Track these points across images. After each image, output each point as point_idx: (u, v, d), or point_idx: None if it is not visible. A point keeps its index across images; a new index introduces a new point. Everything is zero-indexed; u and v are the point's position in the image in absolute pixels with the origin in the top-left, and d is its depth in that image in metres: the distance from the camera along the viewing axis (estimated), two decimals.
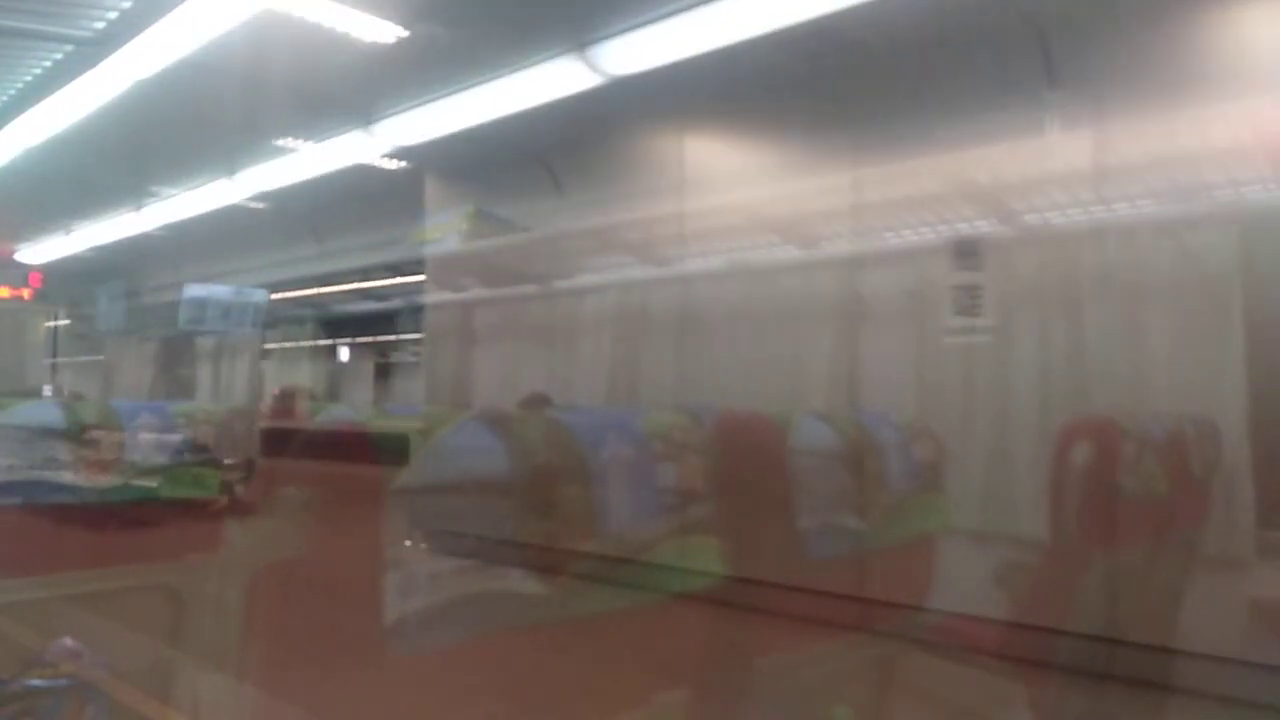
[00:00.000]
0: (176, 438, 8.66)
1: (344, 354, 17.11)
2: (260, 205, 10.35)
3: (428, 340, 9.27)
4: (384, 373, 18.15)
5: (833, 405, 5.71)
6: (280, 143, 8.66)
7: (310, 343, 15.89)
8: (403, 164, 8.94)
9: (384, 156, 8.75)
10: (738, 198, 6.36)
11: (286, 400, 12.98)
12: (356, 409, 15.42)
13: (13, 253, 13.12)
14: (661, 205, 6.66)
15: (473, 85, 6.89)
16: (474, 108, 7.14)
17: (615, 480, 4.98)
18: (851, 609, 4.35)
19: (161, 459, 8.41)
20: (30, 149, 8.64)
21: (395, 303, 13.46)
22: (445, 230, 10.16)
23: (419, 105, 7.48)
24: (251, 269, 12.01)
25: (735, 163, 6.61)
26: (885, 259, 5.86)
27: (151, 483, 8.14)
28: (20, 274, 12.81)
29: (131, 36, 6.13)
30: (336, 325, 15.55)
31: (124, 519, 7.60)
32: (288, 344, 15.44)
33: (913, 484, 5.22)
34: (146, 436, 8.81)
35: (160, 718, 3.16)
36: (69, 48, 6.68)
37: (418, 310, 13.35)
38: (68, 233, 12.78)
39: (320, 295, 13.32)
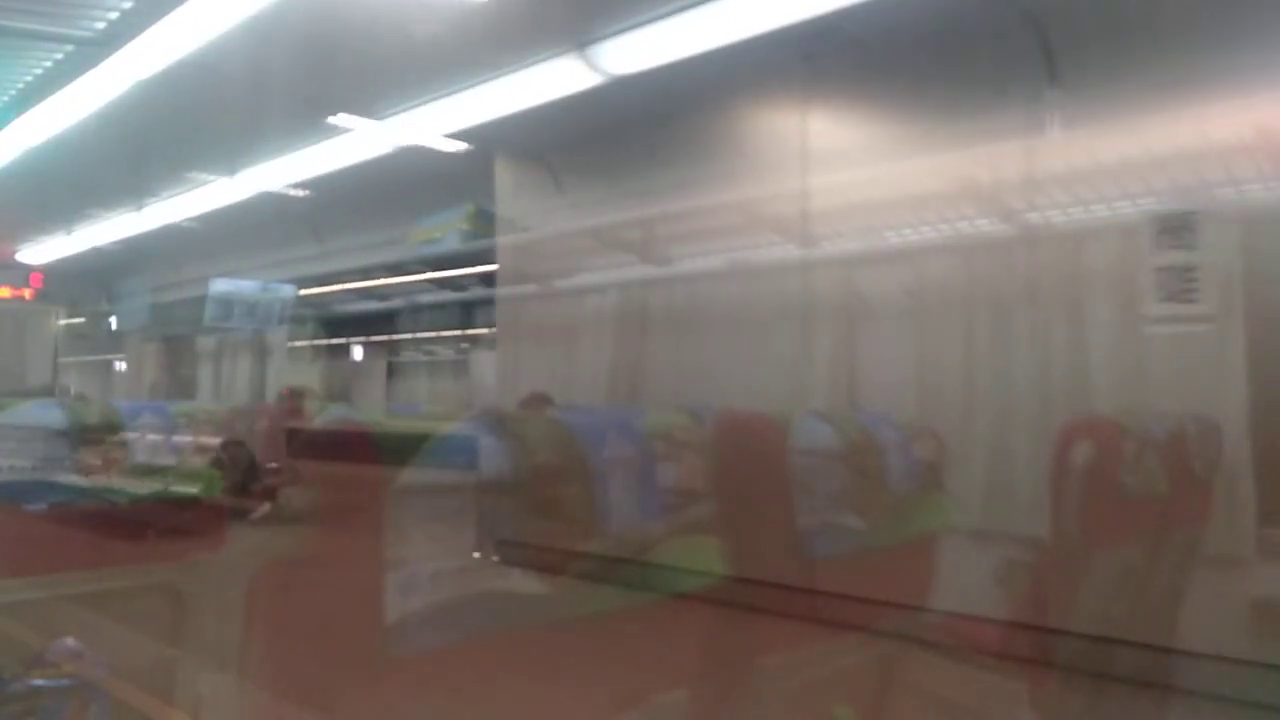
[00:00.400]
0: (215, 440, 8.20)
1: (358, 353, 17.09)
2: (303, 193, 9.86)
3: (500, 336, 8.41)
4: (395, 372, 18.10)
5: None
6: (333, 120, 7.85)
7: (322, 341, 15.83)
8: (465, 146, 8.08)
9: (446, 137, 7.90)
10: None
11: (295, 399, 12.84)
12: (382, 408, 15.33)
13: (14, 253, 13.14)
14: (784, 183, 6.11)
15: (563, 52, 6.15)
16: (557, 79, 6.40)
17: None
18: (852, 609, 4.35)
19: (198, 462, 7.99)
20: (31, 149, 8.64)
21: (402, 301, 13.42)
22: (445, 230, 10.20)
23: (493, 79, 6.73)
24: (253, 268, 11.93)
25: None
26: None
27: (192, 488, 7.67)
28: (21, 274, 12.83)
29: (133, 36, 6.13)
30: (350, 325, 15.48)
31: (159, 527, 7.07)
32: (299, 342, 15.35)
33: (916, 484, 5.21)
34: (180, 439, 8.39)
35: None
36: (69, 48, 6.68)
37: (441, 308, 13.29)
38: (69, 233, 12.79)
39: (336, 293, 13.16)
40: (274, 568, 5.62)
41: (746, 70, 5.82)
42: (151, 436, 8.91)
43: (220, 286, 11.42)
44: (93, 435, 9.58)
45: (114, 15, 6.09)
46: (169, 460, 8.26)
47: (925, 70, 5.35)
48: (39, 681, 2.29)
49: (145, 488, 7.74)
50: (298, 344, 15.17)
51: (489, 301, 11.78)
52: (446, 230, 10.16)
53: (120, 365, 19.97)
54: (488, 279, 11.43)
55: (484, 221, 10.00)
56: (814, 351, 6.19)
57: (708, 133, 6.46)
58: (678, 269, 7.37)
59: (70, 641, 2.50)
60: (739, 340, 6.61)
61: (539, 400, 7.59)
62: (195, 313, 12.27)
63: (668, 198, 7.01)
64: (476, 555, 5.84)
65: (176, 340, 15.95)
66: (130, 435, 8.97)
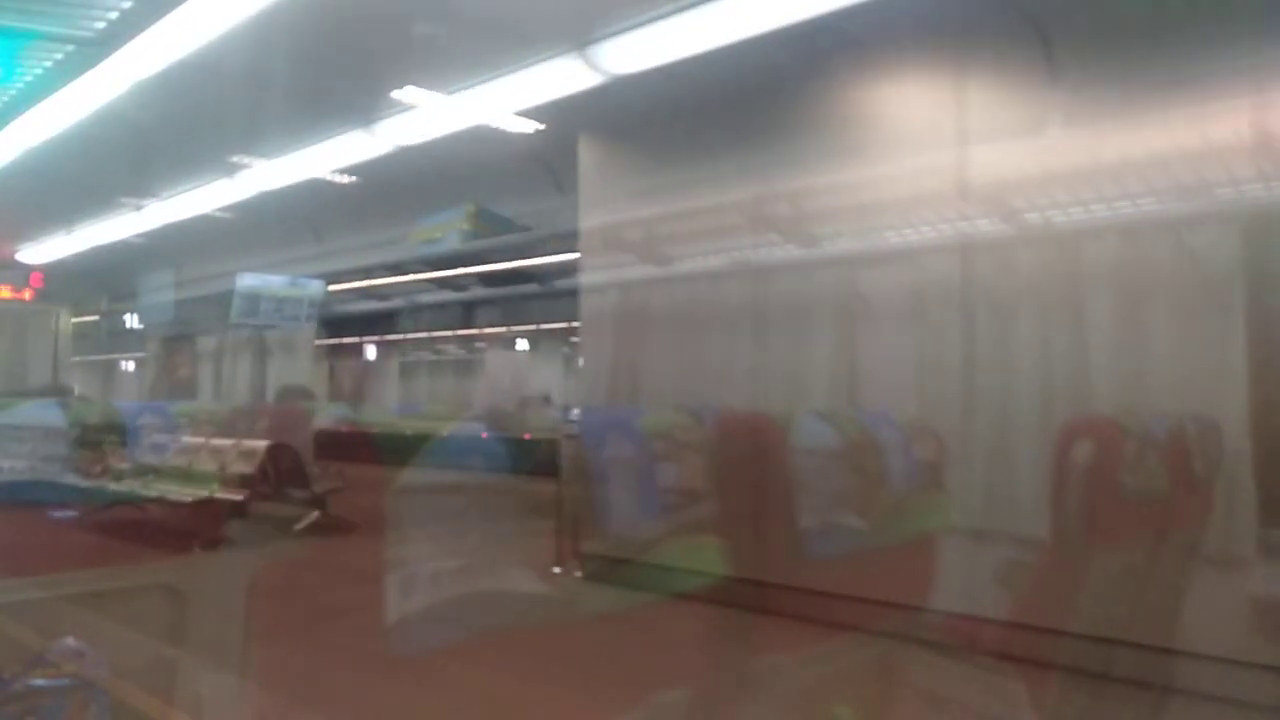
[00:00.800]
0: (261, 444, 7.41)
1: (370, 352, 17.06)
2: (350, 179, 9.42)
3: (584, 329, 7.02)
4: (407, 372, 18.06)
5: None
6: (398, 94, 7.14)
7: (330, 341, 15.72)
8: (538, 126, 7.40)
9: (516, 115, 7.25)
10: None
11: (304, 399, 12.57)
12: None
13: (14, 253, 13.14)
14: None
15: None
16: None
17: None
18: (853, 609, 4.35)
19: (246, 468, 7.17)
20: (31, 149, 8.64)
21: (410, 301, 13.33)
22: (445, 229, 10.20)
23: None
24: (258, 266, 11.81)
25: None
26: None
27: (237, 495, 7.02)
28: (22, 274, 12.83)
29: (133, 36, 6.14)
30: (360, 324, 15.34)
31: (203, 538, 6.81)
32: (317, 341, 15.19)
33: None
34: (222, 443, 7.72)
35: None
36: (69, 48, 6.68)
37: (444, 307, 13.16)
38: (69, 232, 12.78)
39: (340, 292, 13.00)
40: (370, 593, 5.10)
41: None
42: (170, 438, 8.51)
43: (246, 281, 10.94)
44: (99, 437, 9.44)
45: (114, 15, 6.09)
46: (215, 467, 7.41)
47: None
48: (39, 681, 2.29)
49: (180, 494, 7.20)
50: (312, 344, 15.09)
51: (528, 298, 11.47)
52: (446, 230, 10.16)
53: (125, 365, 19.97)
54: (491, 279, 11.41)
55: (485, 221, 9.99)
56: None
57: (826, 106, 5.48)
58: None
59: (70, 641, 2.50)
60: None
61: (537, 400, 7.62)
62: (218, 310, 12.01)
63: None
64: (557, 570, 5.64)
65: (186, 340, 15.88)
66: (160, 439, 8.60)
